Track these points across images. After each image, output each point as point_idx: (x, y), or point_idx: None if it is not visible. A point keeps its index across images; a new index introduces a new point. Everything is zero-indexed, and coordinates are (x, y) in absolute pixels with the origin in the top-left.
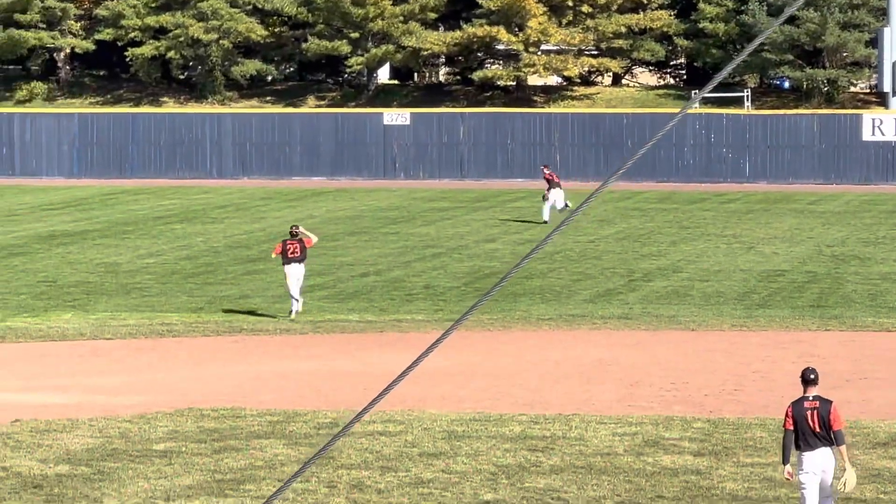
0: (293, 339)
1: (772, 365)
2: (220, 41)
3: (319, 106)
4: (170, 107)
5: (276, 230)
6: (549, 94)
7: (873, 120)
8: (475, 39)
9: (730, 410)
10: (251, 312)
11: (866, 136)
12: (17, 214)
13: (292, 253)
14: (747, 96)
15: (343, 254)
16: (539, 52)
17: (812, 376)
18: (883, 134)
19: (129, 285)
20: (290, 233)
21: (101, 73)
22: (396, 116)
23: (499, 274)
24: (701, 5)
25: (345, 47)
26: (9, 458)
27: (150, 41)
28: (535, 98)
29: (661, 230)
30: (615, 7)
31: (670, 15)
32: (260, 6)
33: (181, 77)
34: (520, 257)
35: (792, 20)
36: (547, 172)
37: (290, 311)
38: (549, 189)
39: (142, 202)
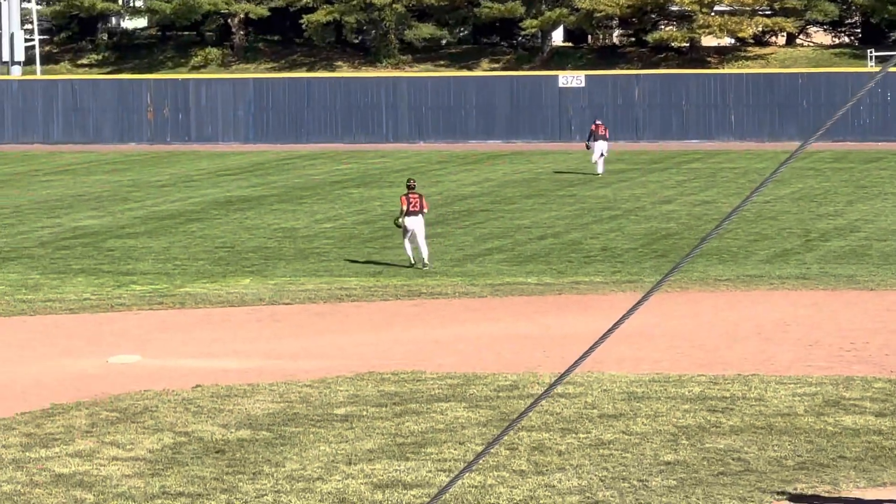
0: (472, 302)
1: None
2: (394, 5)
3: (493, 69)
4: (344, 71)
5: (454, 193)
6: (723, 55)
7: None
8: (649, 0)
9: None
10: (429, 276)
11: None
12: (195, 180)
13: (413, 206)
14: None
15: (520, 217)
16: (713, 13)
17: None
18: None
19: (306, 250)
20: (408, 186)
21: (275, 38)
22: (571, 79)
23: (676, 235)
24: None
25: (518, 9)
26: (191, 424)
27: (324, 6)
28: (709, 59)
29: (838, 190)
30: None
31: None
32: None
33: (355, 41)
34: (696, 218)
35: None
36: (596, 125)
37: (421, 261)
38: (592, 139)
39: (318, 167)
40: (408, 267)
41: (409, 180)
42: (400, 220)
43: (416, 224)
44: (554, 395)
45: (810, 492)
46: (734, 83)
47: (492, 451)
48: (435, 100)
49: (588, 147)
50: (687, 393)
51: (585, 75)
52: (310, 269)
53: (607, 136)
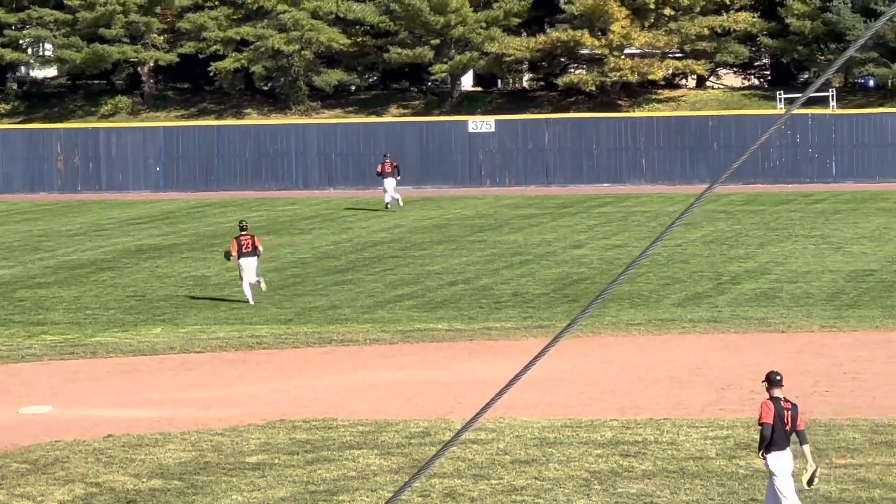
0: (383, 348)
1: (863, 365)
2: (302, 52)
3: (403, 114)
4: (254, 118)
5: (364, 240)
6: (634, 97)
7: None
8: (559, 44)
9: (821, 412)
10: (340, 323)
11: None
12: (105, 229)
13: (246, 247)
14: (832, 96)
15: (431, 262)
16: (623, 56)
17: (779, 377)
18: None
19: (218, 299)
20: (241, 228)
21: (185, 85)
22: (481, 124)
23: (587, 280)
24: (788, 1)
25: (427, 54)
26: (102, 474)
27: (233, 53)
28: (620, 102)
29: (749, 232)
30: (698, 9)
31: (753, 16)
32: (342, 16)
33: (264, 88)
34: (608, 263)
35: (876, 17)
36: (383, 163)
37: (249, 300)
38: (382, 176)
39: (229, 214)
40: (251, 306)
41: (241, 222)
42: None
43: (250, 264)
44: (466, 442)
45: None
46: (645, 126)
47: (403, 498)
48: (344, 146)
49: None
50: (599, 438)
51: (495, 120)
52: (221, 317)
53: (397, 167)
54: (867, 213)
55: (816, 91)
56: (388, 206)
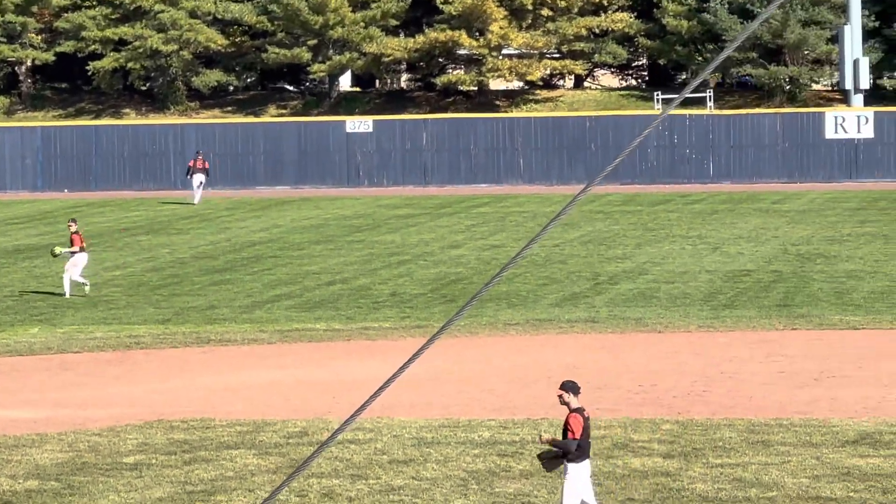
0: (261, 348)
1: (739, 365)
2: (181, 52)
3: (281, 115)
4: (132, 118)
5: (242, 240)
6: (512, 98)
7: (836, 118)
8: (437, 44)
9: (698, 411)
10: (218, 323)
11: (829, 133)
12: None
13: (82, 242)
14: (710, 96)
15: (309, 263)
16: (501, 56)
17: (578, 386)
18: (846, 131)
19: (95, 298)
20: (73, 221)
21: (63, 85)
22: (359, 124)
23: (465, 280)
24: (664, 3)
25: (305, 55)
26: None
27: (111, 53)
28: (498, 102)
29: (626, 233)
30: (576, 10)
31: (631, 17)
32: (220, 16)
33: (143, 88)
34: (485, 263)
35: (753, 18)
36: (195, 159)
37: (66, 293)
38: (191, 174)
39: (107, 214)
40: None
41: (70, 221)
42: (57, 251)
43: (82, 260)
44: (343, 442)
45: None
46: (522, 127)
47: (280, 498)
48: (222, 146)
49: (189, 178)
50: (477, 438)
51: (373, 120)
52: (98, 317)
53: (207, 168)
54: (744, 213)
55: (694, 92)
56: (197, 202)
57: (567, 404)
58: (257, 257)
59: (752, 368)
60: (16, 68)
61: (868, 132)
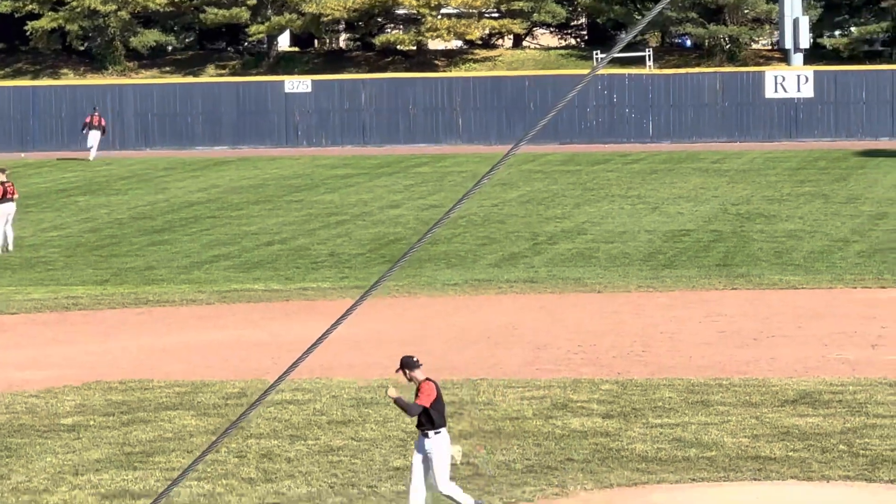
0: (199, 309)
1: (679, 325)
2: (119, 12)
3: (220, 75)
4: (70, 79)
5: (180, 200)
6: (451, 58)
7: (776, 77)
8: (375, 4)
9: (638, 371)
10: (156, 284)
11: (769, 93)
12: None
13: (5, 194)
14: (649, 56)
15: (247, 223)
16: (440, 16)
17: (417, 359)
18: (786, 91)
19: (32, 259)
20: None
21: (0, 45)
22: (298, 84)
23: (404, 240)
24: None
25: (244, 15)
26: None
27: (49, 13)
28: (437, 62)
29: (565, 192)
30: None
31: None
32: None
33: (81, 48)
34: (424, 223)
35: None
36: (91, 116)
37: (5, 248)
38: (86, 130)
39: (44, 174)
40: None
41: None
42: None
43: (9, 210)
44: (282, 402)
45: (538, 495)
46: (461, 86)
47: (220, 459)
48: (161, 107)
49: (84, 134)
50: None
51: (312, 80)
52: (36, 278)
53: (104, 125)
54: (684, 173)
55: (633, 51)
56: (92, 159)
57: (414, 379)
58: (195, 218)
59: (691, 328)
60: None
61: (808, 91)
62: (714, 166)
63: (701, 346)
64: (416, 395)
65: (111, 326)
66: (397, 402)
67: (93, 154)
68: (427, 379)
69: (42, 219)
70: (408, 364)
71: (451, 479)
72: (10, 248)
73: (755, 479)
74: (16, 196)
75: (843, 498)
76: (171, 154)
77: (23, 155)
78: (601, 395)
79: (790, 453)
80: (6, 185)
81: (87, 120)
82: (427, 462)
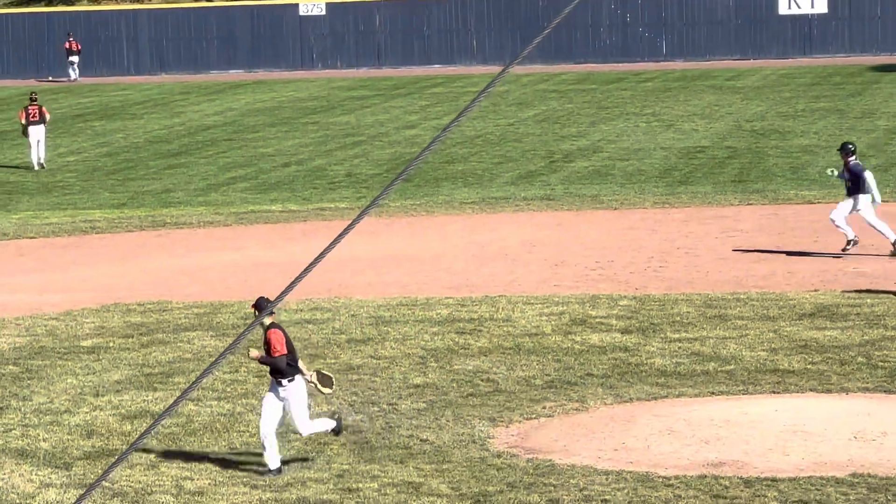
0: (217, 231)
1: (695, 241)
2: None
3: None
4: (84, 5)
5: (196, 124)
6: None
7: None
8: None
9: (655, 287)
10: (174, 206)
11: (782, 10)
12: None
13: (33, 116)
14: None
15: (264, 145)
16: None
17: (266, 300)
18: (799, 7)
19: (50, 184)
20: (31, 98)
21: None
22: (312, 7)
23: (420, 160)
24: None
25: None
26: None
27: None
28: None
29: (580, 111)
30: None
31: None
32: None
33: None
34: (440, 143)
35: None
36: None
37: (34, 166)
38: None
39: (60, 101)
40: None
41: (31, 94)
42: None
43: (39, 133)
44: (301, 322)
45: (559, 410)
46: (475, 7)
47: (240, 379)
48: (175, 31)
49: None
50: (435, 316)
51: (326, 3)
52: (53, 202)
53: (79, 49)
54: (697, 90)
55: None
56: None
57: (261, 323)
58: (212, 141)
59: (707, 244)
60: None
61: (821, 7)
62: (728, 83)
63: (717, 262)
64: (268, 346)
65: (129, 249)
66: (262, 360)
67: (74, 76)
68: (273, 326)
69: (58, 144)
70: (260, 306)
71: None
72: (42, 164)
73: (774, 392)
74: (47, 118)
75: (861, 409)
76: (187, 78)
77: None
78: (619, 311)
79: (808, 366)
80: (33, 108)
81: (67, 46)
82: (283, 406)
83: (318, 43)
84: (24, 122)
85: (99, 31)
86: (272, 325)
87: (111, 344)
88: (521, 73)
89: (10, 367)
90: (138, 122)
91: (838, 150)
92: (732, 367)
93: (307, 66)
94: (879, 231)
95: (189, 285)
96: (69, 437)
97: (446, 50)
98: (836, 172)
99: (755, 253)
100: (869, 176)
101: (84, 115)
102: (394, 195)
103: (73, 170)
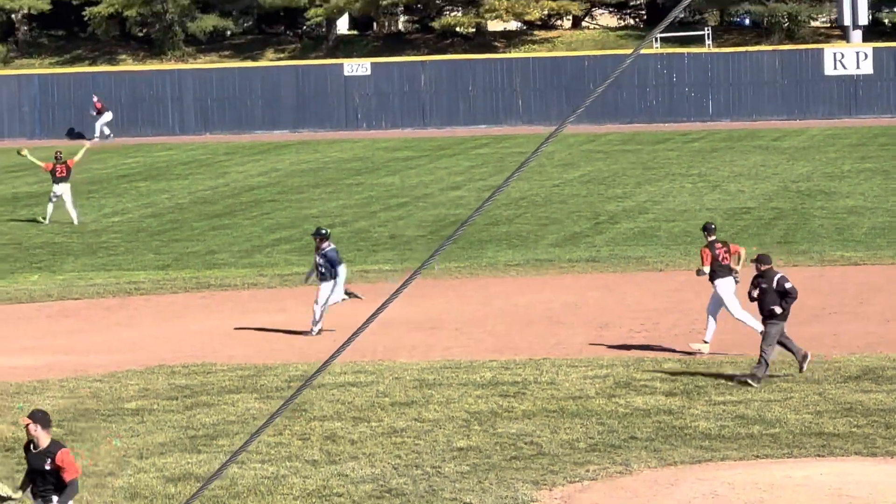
0: (261, 293)
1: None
2: None
3: (279, 59)
4: (128, 64)
5: (241, 184)
6: (510, 39)
7: (834, 54)
8: None
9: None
10: (218, 268)
11: (828, 70)
12: None
13: (60, 173)
14: (708, 34)
15: (308, 206)
16: None
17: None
18: (844, 68)
19: (95, 245)
20: (56, 158)
21: (59, 32)
22: (357, 67)
23: (469, 222)
24: None
25: None
26: None
27: None
28: (496, 44)
29: (626, 172)
30: None
31: None
32: None
33: (139, 34)
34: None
35: None
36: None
37: (70, 222)
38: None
39: (105, 161)
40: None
41: (56, 152)
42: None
43: (64, 189)
44: (345, 385)
45: (602, 473)
46: (521, 67)
47: (284, 441)
48: (220, 91)
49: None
50: (479, 379)
51: (371, 63)
52: (98, 263)
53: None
54: (744, 151)
55: (693, 30)
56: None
57: (36, 438)
58: (256, 201)
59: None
60: (12, 16)
61: (867, 68)
62: (774, 144)
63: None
64: (59, 466)
65: (173, 311)
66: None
67: (102, 134)
68: (57, 443)
69: (103, 204)
70: (38, 419)
71: None
72: (76, 222)
73: (819, 456)
74: (70, 177)
75: None
76: (231, 138)
77: (88, 144)
78: (664, 374)
79: (853, 429)
80: (60, 166)
81: (99, 105)
82: None
83: (362, 103)
84: (48, 171)
85: (143, 90)
86: (55, 442)
87: (155, 406)
88: (567, 134)
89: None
90: (183, 182)
91: None
92: (777, 430)
93: (352, 126)
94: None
95: (233, 347)
96: (113, 500)
97: (491, 110)
98: None
99: (801, 315)
100: None
101: (129, 176)
102: (438, 258)
103: (118, 230)
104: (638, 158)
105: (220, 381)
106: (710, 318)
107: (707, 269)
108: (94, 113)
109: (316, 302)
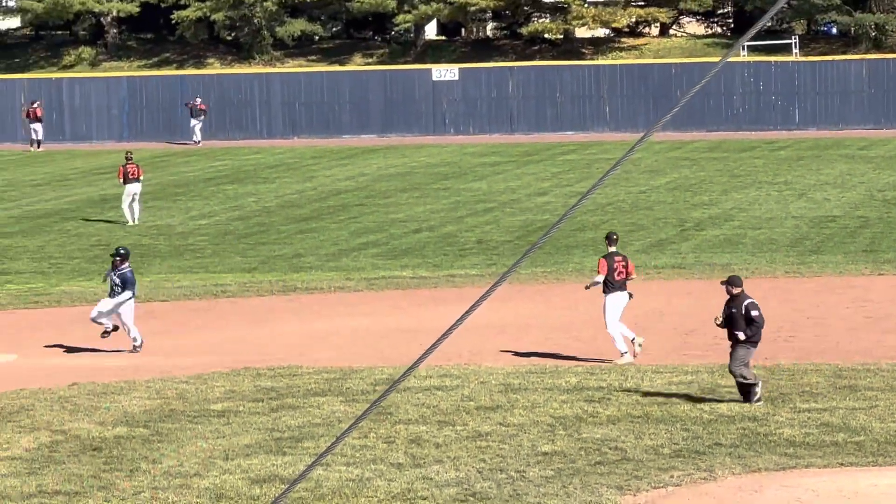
0: (348, 296)
1: (826, 310)
2: (265, 1)
3: (367, 64)
4: (216, 68)
5: (328, 188)
6: (597, 46)
7: None
8: None
9: (785, 356)
10: (305, 271)
11: None
12: (69, 179)
13: (132, 174)
14: (795, 43)
15: (395, 210)
16: (586, 4)
17: None
18: None
19: (182, 247)
20: (126, 158)
21: (148, 35)
22: (445, 72)
23: (557, 228)
24: None
25: (391, 4)
26: (67, 422)
27: (195, 3)
28: (584, 50)
29: (712, 179)
30: None
31: None
32: None
33: (228, 38)
34: (573, 211)
35: None
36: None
37: (128, 220)
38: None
39: (192, 164)
40: (131, 226)
41: (127, 153)
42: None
43: (135, 189)
44: (430, 389)
45: (686, 479)
46: (608, 74)
47: (369, 444)
48: (308, 95)
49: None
50: (564, 384)
51: (459, 68)
52: (185, 265)
53: (204, 109)
54: (830, 159)
55: (780, 39)
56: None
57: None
58: (343, 206)
59: (838, 314)
60: (101, 19)
61: None
62: (860, 153)
63: (848, 332)
64: None
65: (259, 314)
66: None
67: (198, 136)
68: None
69: (190, 207)
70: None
71: None
72: (137, 221)
73: None
74: (141, 177)
75: None
76: (319, 142)
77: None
78: None
79: None
80: (131, 167)
81: (194, 105)
82: None
83: (450, 108)
84: (121, 180)
85: (231, 94)
86: None
87: (241, 408)
88: (654, 141)
89: (141, 429)
90: (270, 185)
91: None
92: (862, 438)
93: (439, 131)
94: None
95: (319, 350)
96: (198, 501)
97: (579, 116)
98: None
99: (886, 323)
100: None
101: (216, 179)
102: (525, 262)
103: (205, 233)
104: (724, 166)
105: (306, 384)
106: (615, 330)
107: (600, 278)
108: (201, 117)
109: (124, 324)
